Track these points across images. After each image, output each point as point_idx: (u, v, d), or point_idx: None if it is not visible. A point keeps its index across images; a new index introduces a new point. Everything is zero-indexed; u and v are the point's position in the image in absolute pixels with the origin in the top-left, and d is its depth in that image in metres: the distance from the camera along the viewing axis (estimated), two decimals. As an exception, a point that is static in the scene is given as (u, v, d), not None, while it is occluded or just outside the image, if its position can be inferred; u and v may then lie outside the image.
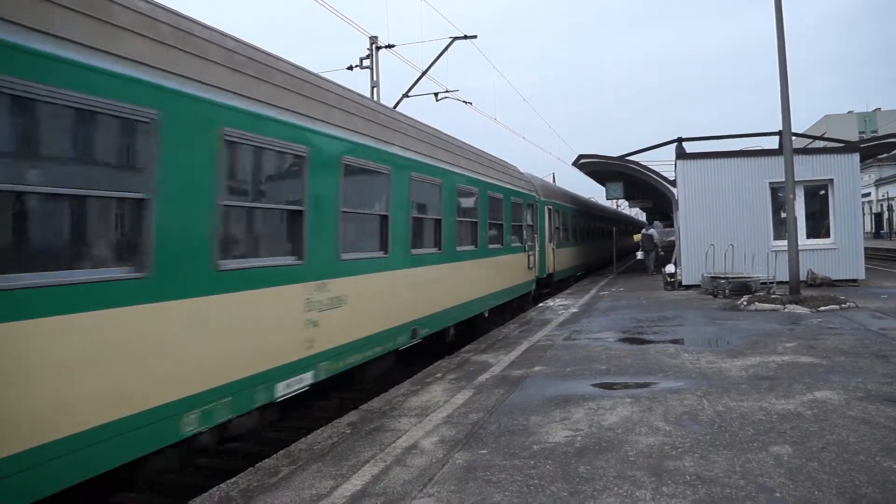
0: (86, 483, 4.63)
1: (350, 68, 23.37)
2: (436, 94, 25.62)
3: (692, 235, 21.18)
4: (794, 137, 17.34)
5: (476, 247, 13.78)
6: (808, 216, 20.98)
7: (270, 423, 7.85)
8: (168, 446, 5.53)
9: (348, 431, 6.93)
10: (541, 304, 18.89)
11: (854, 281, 20.05)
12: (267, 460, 6.17)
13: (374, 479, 5.46)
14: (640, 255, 30.35)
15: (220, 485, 5.55)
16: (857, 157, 20.76)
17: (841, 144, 22.72)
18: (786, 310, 14.80)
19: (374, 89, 23.20)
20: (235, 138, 6.18)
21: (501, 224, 15.82)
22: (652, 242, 28.87)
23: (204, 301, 5.83)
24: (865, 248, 21.88)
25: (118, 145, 5.24)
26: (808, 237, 20.53)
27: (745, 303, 15.92)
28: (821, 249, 20.45)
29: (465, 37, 23.59)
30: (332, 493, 5.19)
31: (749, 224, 20.64)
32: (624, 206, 70.74)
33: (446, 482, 5.30)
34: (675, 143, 22.43)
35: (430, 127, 12.37)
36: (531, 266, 18.90)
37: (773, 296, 16.33)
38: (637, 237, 32.25)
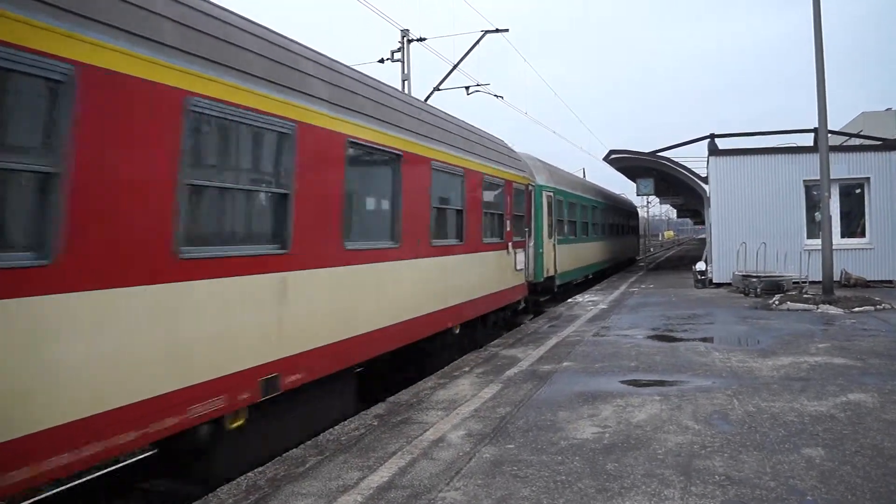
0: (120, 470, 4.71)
1: (381, 61, 23.39)
2: (467, 88, 25.56)
3: (724, 233, 20.96)
4: (829, 135, 17.02)
5: (603, 234, 29.21)
6: (843, 215, 20.59)
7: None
8: None
9: (375, 423, 6.96)
10: (569, 300, 18.81)
11: (890, 282, 19.68)
12: (294, 450, 6.22)
13: (400, 471, 5.48)
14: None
15: (248, 473, 5.61)
16: (895, 155, 20.33)
17: (878, 142, 22.24)
18: (818, 310, 14.57)
19: (405, 82, 23.19)
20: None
21: (619, 224, 34.16)
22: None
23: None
24: (902, 249, 21.43)
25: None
26: (842, 236, 20.16)
27: (776, 302, 15.70)
28: (855, 249, 20.10)
29: (497, 30, 23.43)
30: (358, 485, 5.21)
31: (782, 222, 20.36)
32: (654, 203, 70.85)
33: (473, 476, 5.30)
34: (708, 140, 22.17)
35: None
36: (632, 246, 39.84)
37: (805, 295, 16.09)
38: (669, 234, 43.54)
